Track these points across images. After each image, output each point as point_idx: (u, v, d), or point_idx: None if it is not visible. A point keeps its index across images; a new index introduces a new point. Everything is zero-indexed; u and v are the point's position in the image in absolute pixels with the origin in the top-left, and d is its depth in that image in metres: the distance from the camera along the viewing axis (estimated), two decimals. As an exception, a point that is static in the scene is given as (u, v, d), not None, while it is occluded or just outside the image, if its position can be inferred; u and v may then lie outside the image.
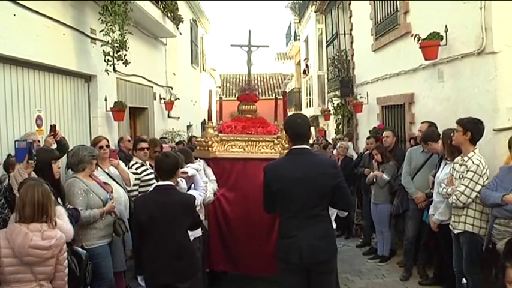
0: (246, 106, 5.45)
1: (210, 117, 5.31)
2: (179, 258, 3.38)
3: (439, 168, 4.72)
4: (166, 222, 3.34)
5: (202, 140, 5.00)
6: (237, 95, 6.20)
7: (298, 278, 3.20)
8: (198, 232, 4.08)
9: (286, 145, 4.75)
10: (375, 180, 6.14)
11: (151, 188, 3.64)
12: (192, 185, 4.19)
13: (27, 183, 2.99)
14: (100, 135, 5.21)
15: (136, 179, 5.02)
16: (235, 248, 4.79)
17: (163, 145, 6.70)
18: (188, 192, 3.96)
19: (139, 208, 3.49)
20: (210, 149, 4.86)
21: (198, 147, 5.07)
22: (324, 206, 3.23)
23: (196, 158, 4.74)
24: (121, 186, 4.63)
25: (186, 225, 3.47)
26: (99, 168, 4.58)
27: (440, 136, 4.72)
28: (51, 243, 2.84)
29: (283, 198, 3.23)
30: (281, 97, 6.19)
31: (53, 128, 4.76)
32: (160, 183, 3.51)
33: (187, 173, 4.07)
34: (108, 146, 4.76)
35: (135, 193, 5.03)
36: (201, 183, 4.21)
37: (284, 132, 4.86)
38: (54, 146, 4.67)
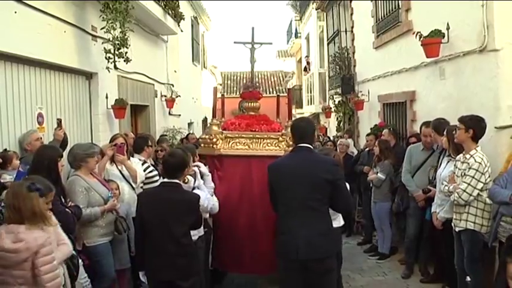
0: (250, 104, 5.40)
1: (214, 115, 5.29)
2: (181, 255, 3.37)
3: (441, 165, 4.71)
4: (169, 219, 3.33)
5: (207, 137, 4.98)
6: (238, 93, 6.17)
7: (296, 277, 3.19)
8: (201, 231, 4.07)
9: (291, 142, 4.76)
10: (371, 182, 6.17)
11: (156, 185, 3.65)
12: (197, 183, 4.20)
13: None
14: (118, 133, 5.24)
15: None
16: (240, 247, 4.74)
17: None
18: (194, 191, 3.93)
19: (142, 204, 3.50)
20: (214, 146, 4.85)
21: (202, 145, 5.05)
22: (321, 201, 3.22)
23: (201, 156, 4.74)
24: (130, 183, 4.62)
25: (188, 224, 3.45)
26: (113, 164, 4.63)
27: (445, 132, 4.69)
28: (17, 247, 2.65)
29: (281, 193, 3.27)
30: (283, 95, 6.17)
31: (59, 122, 4.84)
32: (166, 180, 3.52)
33: (200, 166, 4.19)
34: (122, 143, 4.74)
35: (141, 190, 5.04)
36: (211, 184, 4.34)
37: (289, 130, 4.89)
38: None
